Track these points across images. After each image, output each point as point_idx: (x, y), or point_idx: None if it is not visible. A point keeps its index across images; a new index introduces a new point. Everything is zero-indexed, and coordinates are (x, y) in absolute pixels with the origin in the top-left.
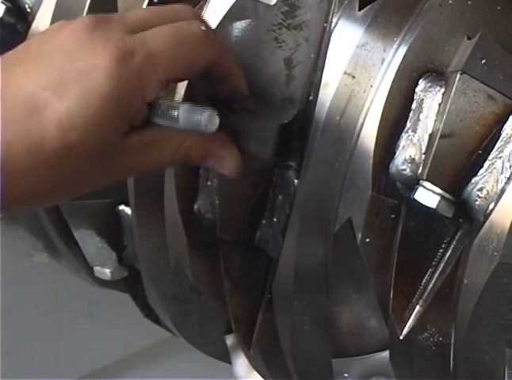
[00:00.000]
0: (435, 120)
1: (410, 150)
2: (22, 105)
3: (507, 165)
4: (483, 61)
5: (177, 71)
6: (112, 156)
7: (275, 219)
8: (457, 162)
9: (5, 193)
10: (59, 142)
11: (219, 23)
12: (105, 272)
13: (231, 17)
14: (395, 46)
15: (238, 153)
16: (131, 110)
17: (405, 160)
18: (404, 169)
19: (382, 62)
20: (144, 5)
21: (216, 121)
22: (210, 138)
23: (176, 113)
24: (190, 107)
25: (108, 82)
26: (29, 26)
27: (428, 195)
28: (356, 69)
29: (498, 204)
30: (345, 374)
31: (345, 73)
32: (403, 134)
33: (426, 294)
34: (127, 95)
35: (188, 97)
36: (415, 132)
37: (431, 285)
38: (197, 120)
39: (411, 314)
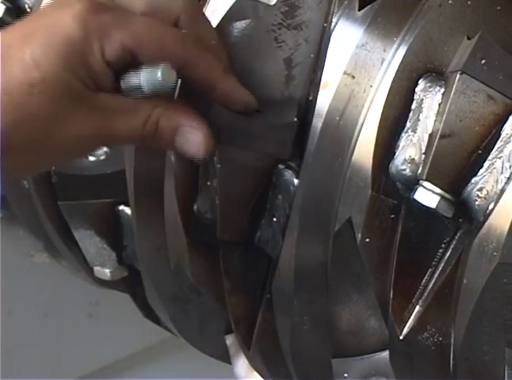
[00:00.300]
0: (435, 120)
1: (409, 150)
2: None
3: (507, 165)
4: (483, 61)
5: (143, 46)
6: (78, 107)
7: (275, 219)
8: (457, 162)
9: None
10: (23, 80)
11: (219, 23)
12: (105, 272)
13: (230, 17)
14: (395, 46)
15: (208, 130)
16: (91, 60)
17: (405, 160)
18: (404, 169)
19: (382, 62)
20: None
21: (173, 74)
22: (180, 109)
23: (138, 80)
24: (149, 69)
25: (73, 25)
26: None
27: (428, 195)
28: (356, 69)
29: (498, 204)
30: (345, 374)
31: (344, 73)
32: (403, 134)
33: (425, 294)
34: (87, 40)
35: None
36: (415, 132)
37: (431, 285)
38: (156, 78)
39: (411, 314)
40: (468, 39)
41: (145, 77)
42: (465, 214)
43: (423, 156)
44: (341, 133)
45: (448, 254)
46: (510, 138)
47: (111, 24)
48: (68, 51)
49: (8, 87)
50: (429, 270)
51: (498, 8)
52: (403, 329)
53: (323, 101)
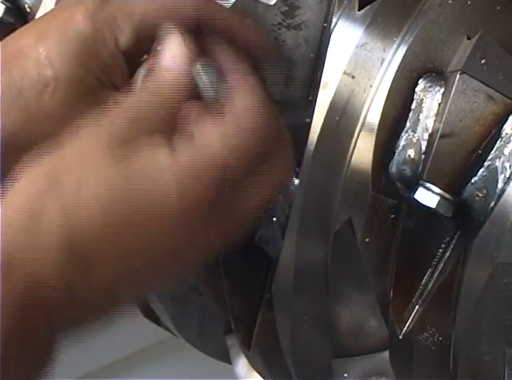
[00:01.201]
0: (435, 120)
1: (409, 149)
2: (10, 56)
3: (507, 164)
4: (483, 61)
5: (153, 17)
6: (91, 106)
7: (275, 219)
8: (457, 162)
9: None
10: (37, 79)
11: None
12: None
13: None
14: (395, 46)
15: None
16: (105, 53)
17: (405, 160)
18: (404, 169)
19: (382, 62)
20: None
21: (212, 67)
22: None
23: None
24: None
25: (83, 21)
26: None
27: (428, 195)
28: (355, 69)
29: (498, 204)
30: (345, 374)
31: (344, 73)
32: (403, 134)
33: (425, 294)
34: (99, 33)
35: None
36: (415, 132)
37: (431, 285)
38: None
39: (411, 314)
40: (468, 39)
41: None
42: (465, 214)
43: (423, 156)
44: (341, 133)
45: (448, 254)
46: (510, 138)
47: (119, 13)
48: (80, 47)
49: (21, 86)
50: (429, 270)
51: (498, 8)
52: (402, 329)
53: (323, 101)
